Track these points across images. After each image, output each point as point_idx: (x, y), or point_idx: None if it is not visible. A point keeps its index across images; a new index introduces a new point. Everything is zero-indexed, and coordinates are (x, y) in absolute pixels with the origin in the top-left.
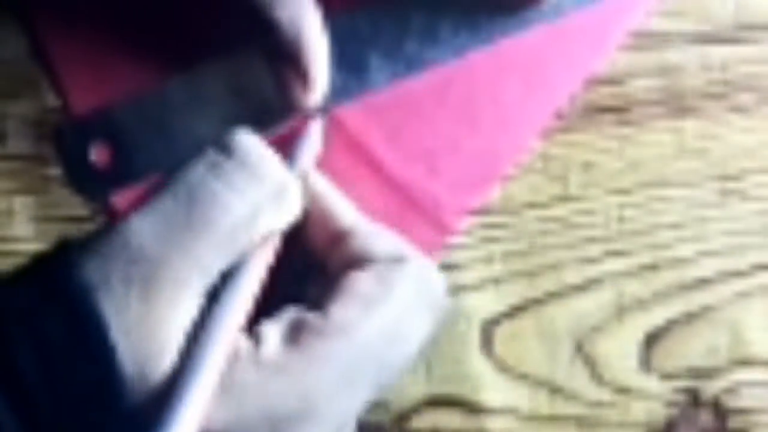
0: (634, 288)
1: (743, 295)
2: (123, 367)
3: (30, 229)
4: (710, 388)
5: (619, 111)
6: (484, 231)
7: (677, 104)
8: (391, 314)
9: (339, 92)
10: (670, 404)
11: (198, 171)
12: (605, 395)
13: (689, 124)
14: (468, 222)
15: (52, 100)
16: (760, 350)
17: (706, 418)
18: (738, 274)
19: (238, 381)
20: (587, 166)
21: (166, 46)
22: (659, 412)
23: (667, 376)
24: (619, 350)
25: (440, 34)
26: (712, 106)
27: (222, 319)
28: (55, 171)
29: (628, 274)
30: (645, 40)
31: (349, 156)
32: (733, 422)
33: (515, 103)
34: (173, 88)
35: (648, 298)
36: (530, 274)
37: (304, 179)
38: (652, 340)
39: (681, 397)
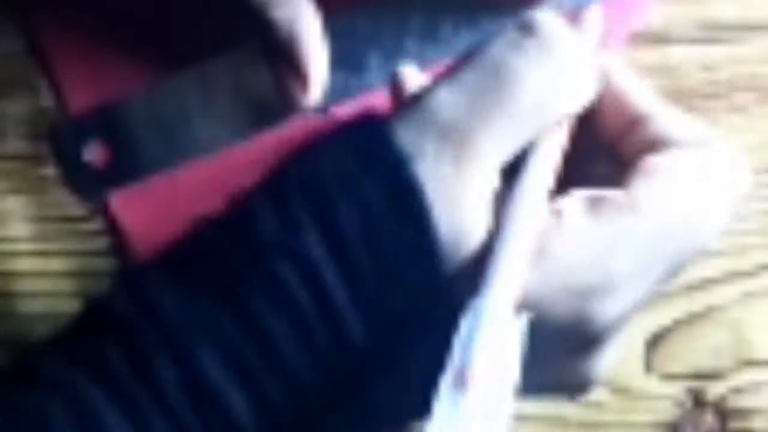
0: None
1: (748, 295)
2: (440, 233)
3: (26, 229)
4: (714, 388)
5: None
6: None
7: (677, 104)
8: (692, 198)
9: (339, 92)
10: (673, 405)
11: (500, 49)
12: (607, 396)
13: None
14: None
15: (48, 99)
16: (765, 351)
17: (709, 419)
18: (742, 274)
19: (545, 251)
20: None
21: (164, 46)
22: (662, 413)
23: (670, 377)
24: (622, 350)
25: (440, 34)
26: (712, 106)
27: (529, 191)
28: (51, 171)
29: None
30: (645, 40)
31: None
32: (737, 423)
33: None
34: (171, 88)
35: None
36: None
37: (600, 61)
38: (655, 340)
39: (684, 398)
